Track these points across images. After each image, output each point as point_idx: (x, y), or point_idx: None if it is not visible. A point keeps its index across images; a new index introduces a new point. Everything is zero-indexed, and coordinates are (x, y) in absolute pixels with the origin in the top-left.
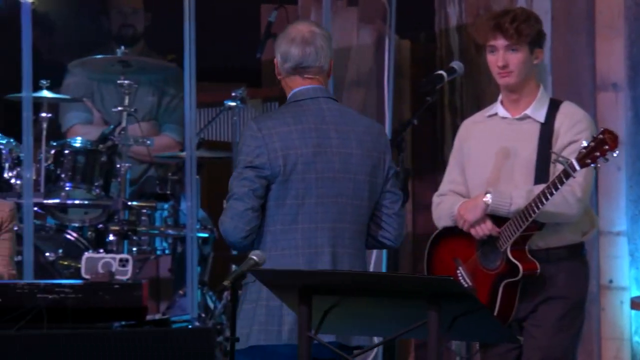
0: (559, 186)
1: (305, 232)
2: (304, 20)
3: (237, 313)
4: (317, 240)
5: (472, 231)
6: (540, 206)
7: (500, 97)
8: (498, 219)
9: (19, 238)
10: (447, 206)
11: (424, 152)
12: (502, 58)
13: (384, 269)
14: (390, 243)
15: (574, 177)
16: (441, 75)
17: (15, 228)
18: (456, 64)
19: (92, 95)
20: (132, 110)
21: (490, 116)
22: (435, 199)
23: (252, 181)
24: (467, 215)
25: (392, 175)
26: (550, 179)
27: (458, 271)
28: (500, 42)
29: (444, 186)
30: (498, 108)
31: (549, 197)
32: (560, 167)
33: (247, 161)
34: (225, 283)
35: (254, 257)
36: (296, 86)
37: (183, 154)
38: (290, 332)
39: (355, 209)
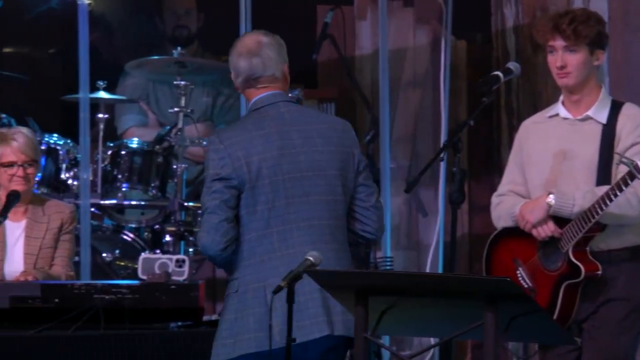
0: (624, 188)
1: (281, 235)
2: (253, 32)
3: (220, 323)
4: (295, 240)
5: (534, 232)
6: (604, 207)
7: (561, 98)
8: (559, 220)
9: (76, 239)
10: (507, 206)
11: (480, 153)
12: (561, 59)
13: (440, 270)
14: (371, 236)
15: (639, 179)
16: (497, 76)
17: (74, 230)
18: (512, 65)
19: (147, 97)
20: (189, 111)
21: (551, 117)
22: (495, 199)
23: (222, 192)
24: (529, 216)
25: (364, 168)
26: (613, 181)
27: (518, 272)
28: (559, 43)
29: (504, 186)
30: (559, 108)
31: (612, 198)
32: (622, 169)
33: (214, 174)
34: (282, 284)
35: (310, 258)
36: (254, 96)
37: None
38: (281, 333)
39: (330, 204)
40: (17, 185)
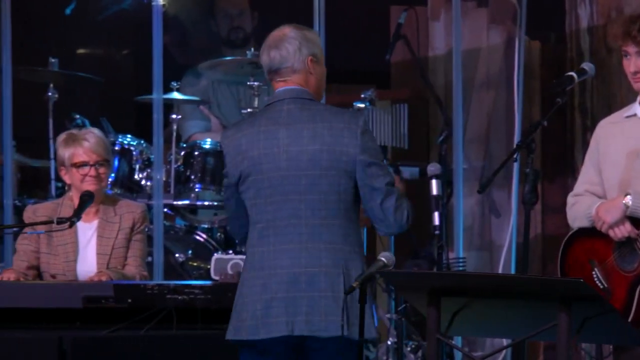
0: None
1: (260, 231)
2: (286, 25)
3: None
4: (270, 238)
5: (611, 232)
6: None
7: (638, 98)
8: (636, 221)
9: (149, 239)
10: (583, 207)
11: (553, 153)
12: (634, 64)
13: (512, 271)
14: (382, 233)
15: None
16: (571, 76)
17: (146, 230)
18: (587, 65)
19: (208, 100)
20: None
21: (628, 117)
22: (570, 199)
23: (226, 189)
24: (606, 217)
25: (367, 166)
26: None
27: (593, 272)
28: (631, 49)
29: (580, 186)
30: (637, 109)
31: None
32: None
33: (224, 171)
34: (354, 284)
35: (383, 259)
36: (274, 89)
37: None
38: (249, 327)
39: (314, 203)
40: (90, 185)
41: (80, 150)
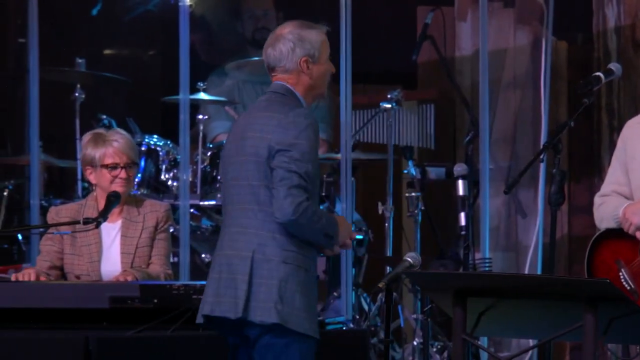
0: None
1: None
2: (291, 22)
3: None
4: (223, 221)
5: (638, 234)
6: None
7: None
8: None
9: (175, 239)
10: (610, 208)
11: (580, 154)
12: None
13: (539, 271)
14: (277, 220)
15: None
16: (598, 77)
17: (172, 229)
18: (614, 66)
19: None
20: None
21: None
22: (597, 199)
23: None
24: (633, 218)
25: (277, 153)
26: None
27: (620, 273)
28: None
29: (607, 187)
30: None
31: None
32: None
33: None
34: (380, 285)
35: (409, 259)
36: None
37: (338, 155)
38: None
39: (243, 189)
40: (119, 187)
41: (110, 150)
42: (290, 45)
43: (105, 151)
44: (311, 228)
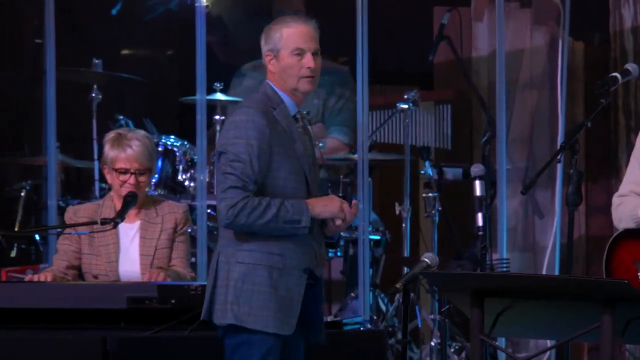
0: None
1: None
2: (294, 13)
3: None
4: None
5: None
6: None
7: None
8: None
9: (192, 240)
10: (628, 208)
11: (597, 154)
12: None
13: (556, 272)
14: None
15: None
16: (615, 77)
17: (189, 230)
18: (631, 66)
19: None
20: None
21: None
22: (616, 199)
23: None
24: None
25: (219, 156)
26: None
27: (639, 274)
28: None
29: (625, 187)
30: None
31: None
32: None
33: None
34: (398, 285)
35: (426, 260)
36: None
37: (355, 156)
38: None
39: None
40: (125, 192)
41: (122, 155)
42: (262, 42)
43: (118, 155)
44: (258, 223)
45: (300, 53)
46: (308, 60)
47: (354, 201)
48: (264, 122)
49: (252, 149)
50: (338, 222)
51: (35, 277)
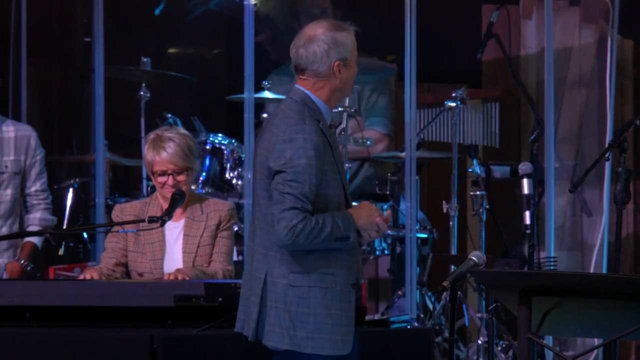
0: None
1: None
2: (320, 21)
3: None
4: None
5: None
6: None
7: None
8: None
9: (240, 238)
10: None
11: None
12: None
13: (604, 270)
14: (278, 244)
15: None
16: None
17: (236, 228)
18: None
19: None
20: (352, 110)
21: None
22: None
23: None
24: None
25: (274, 175)
26: None
27: None
28: None
29: None
30: None
31: None
32: None
33: None
34: (445, 284)
35: (474, 258)
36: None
37: (402, 154)
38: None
39: (256, 207)
40: (168, 193)
41: (157, 159)
42: (325, 48)
43: (154, 158)
44: (314, 243)
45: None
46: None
47: (387, 211)
48: (319, 141)
49: (312, 169)
50: (373, 233)
51: (81, 276)
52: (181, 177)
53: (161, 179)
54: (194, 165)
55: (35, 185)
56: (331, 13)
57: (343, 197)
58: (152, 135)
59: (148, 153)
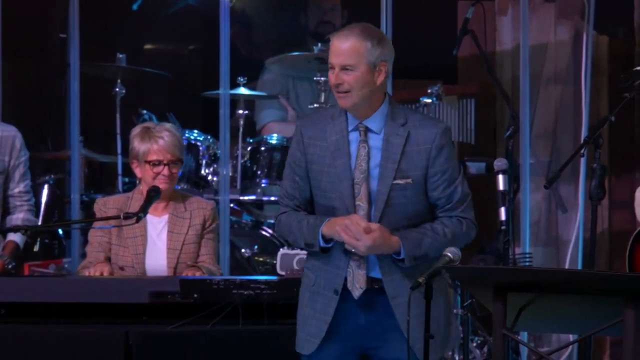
0: None
1: None
2: (352, 26)
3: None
4: None
5: None
6: None
7: None
8: None
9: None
10: None
11: (620, 149)
12: None
13: (579, 266)
14: None
15: None
16: (639, 71)
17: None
18: None
19: (287, 92)
20: (328, 106)
21: None
22: (638, 194)
23: None
24: None
25: None
26: None
27: None
28: None
29: None
30: None
31: None
32: None
33: None
34: (420, 280)
35: (449, 254)
36: None
37: None
38: None
39: None
40: (161, 184)
41: (155, 147)
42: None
43: (150, 147)
44: (291, 239)
45: None
46: None
47: (354, 214)
48: (304, 140)
49: (290, 166)
50: (348, 247)
51: (91, 271)
52: (175, 169)
53: (156, 169)
54: (184, 160)
55: (19, 187)
56: (339, 10)
57: (342, 204)
58: (139, 129)
59: (142, 144)
